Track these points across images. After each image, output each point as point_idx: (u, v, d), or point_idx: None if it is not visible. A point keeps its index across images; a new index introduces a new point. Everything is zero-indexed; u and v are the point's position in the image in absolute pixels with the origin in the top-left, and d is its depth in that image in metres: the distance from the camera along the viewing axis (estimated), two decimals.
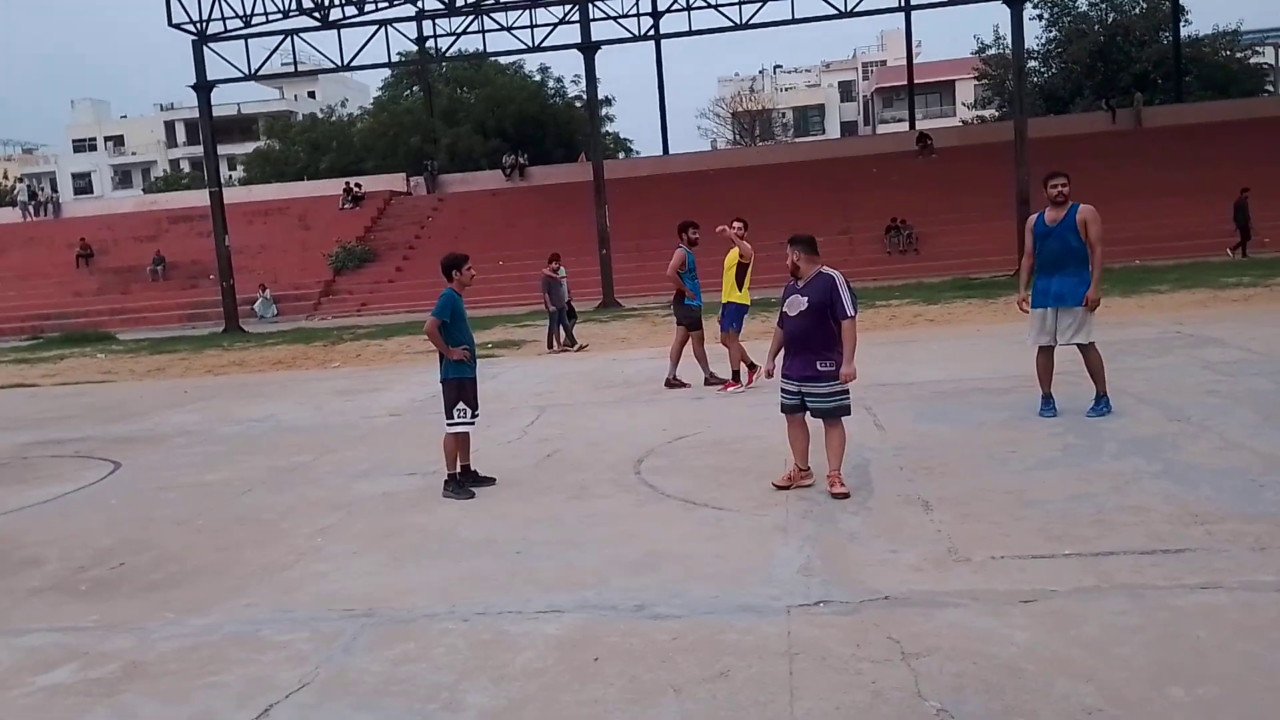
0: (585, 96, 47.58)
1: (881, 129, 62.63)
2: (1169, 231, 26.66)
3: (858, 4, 29.41)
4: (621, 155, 48.41)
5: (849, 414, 6.19)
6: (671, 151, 41.12)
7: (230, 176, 50.09)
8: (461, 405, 6.93)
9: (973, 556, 4.70)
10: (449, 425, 6.95)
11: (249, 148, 57.23)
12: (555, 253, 17.38)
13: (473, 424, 7.02)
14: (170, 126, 77.57)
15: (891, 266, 27.22)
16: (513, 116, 42.59)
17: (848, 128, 69.61)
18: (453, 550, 5.56)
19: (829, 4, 29.56)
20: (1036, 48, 43.61)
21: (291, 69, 33.49)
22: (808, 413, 6.24)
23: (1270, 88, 45.05)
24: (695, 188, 34.33)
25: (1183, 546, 4.57)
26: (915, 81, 43.64)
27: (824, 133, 67.87)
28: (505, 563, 5.25)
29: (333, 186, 38.85)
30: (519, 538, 5.67)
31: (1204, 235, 26.12)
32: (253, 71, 28.03)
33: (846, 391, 6.14)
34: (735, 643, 3.95)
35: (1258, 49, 45.10)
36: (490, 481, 7.02)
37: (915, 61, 43.22)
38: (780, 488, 6.22)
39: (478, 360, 7.24)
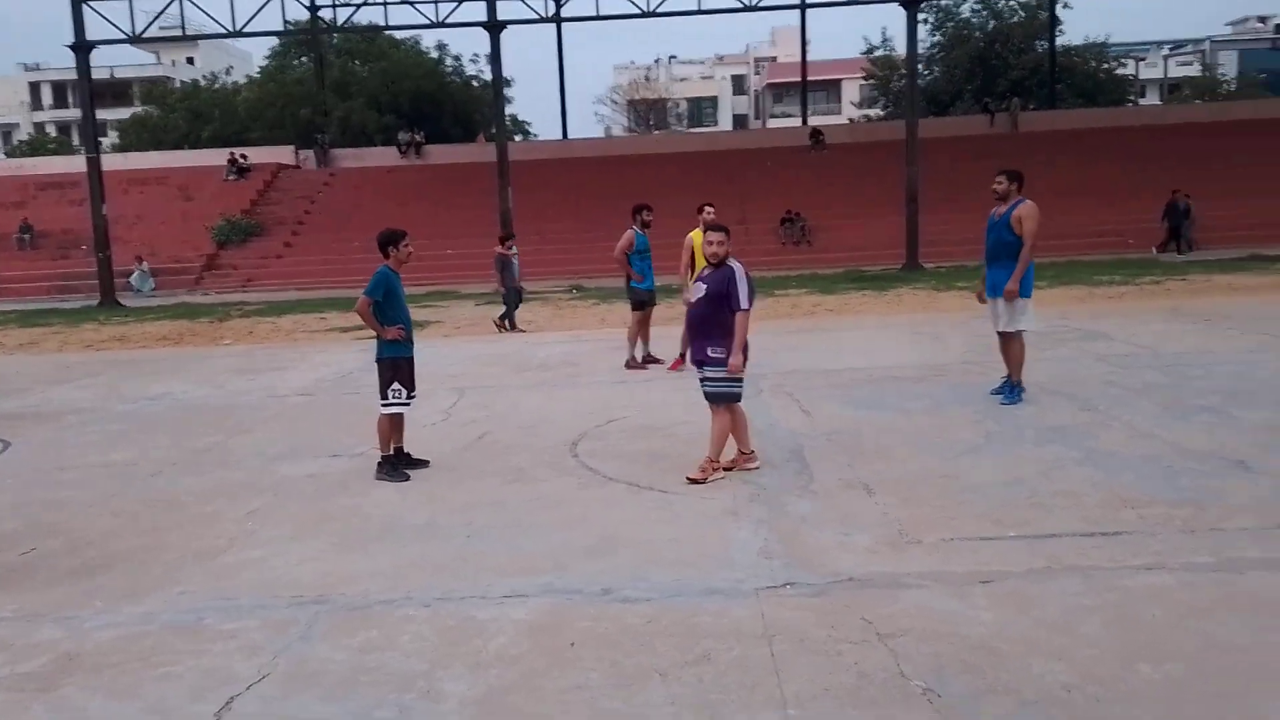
0: (485, 76, 47.09)
1: (772, 123, 63.66)
2: (1045, 230, 27.90)
3: None
4: (519, 138, 47.85)
5: (736, 401, 6.26)
6: (570, 136, 40.89)
7: (103, 143, 47.30)
8: (396, 385, 6.73)
9: (923, 539, 4.83)
10: (383, 406, 6.75)
11: (124, 113, 54.20)
12: (509, 231, 16.87)
13: (408, 405, 6.83)
14: (35, 88, 72.81)
15: (786, 257, 27.74)
16: (409, 93, 41.57)
17: (739, 120, 70.50)
18: (398, 534, 5.40)
19: None
20: (921, 51, 44.99)
21: (179, 32, 31.75)
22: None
23: (1133, 98, 47.69)
24: (596, 173, 34.25)
25: (1119, 530, 4.81)
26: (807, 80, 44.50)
27: (717, 124, 68.57)
28: (455, 547, 5.13)
29: (216, 157, 37.18)
30: (465, 522, 5.55)
31: (1077, 235, 27.49)
32: (137, 33, 26.51)
33: (737, 380, 6.21)
34: (711, 626, 3.96)
35: (1123, 61, 47.68)
36: (424, 464, 6.85)
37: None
38: (725, 469, 6.27)
39: (414, 340, 7.00)
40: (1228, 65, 60.20)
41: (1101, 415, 7.34)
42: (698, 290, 6.33)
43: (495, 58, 25.70)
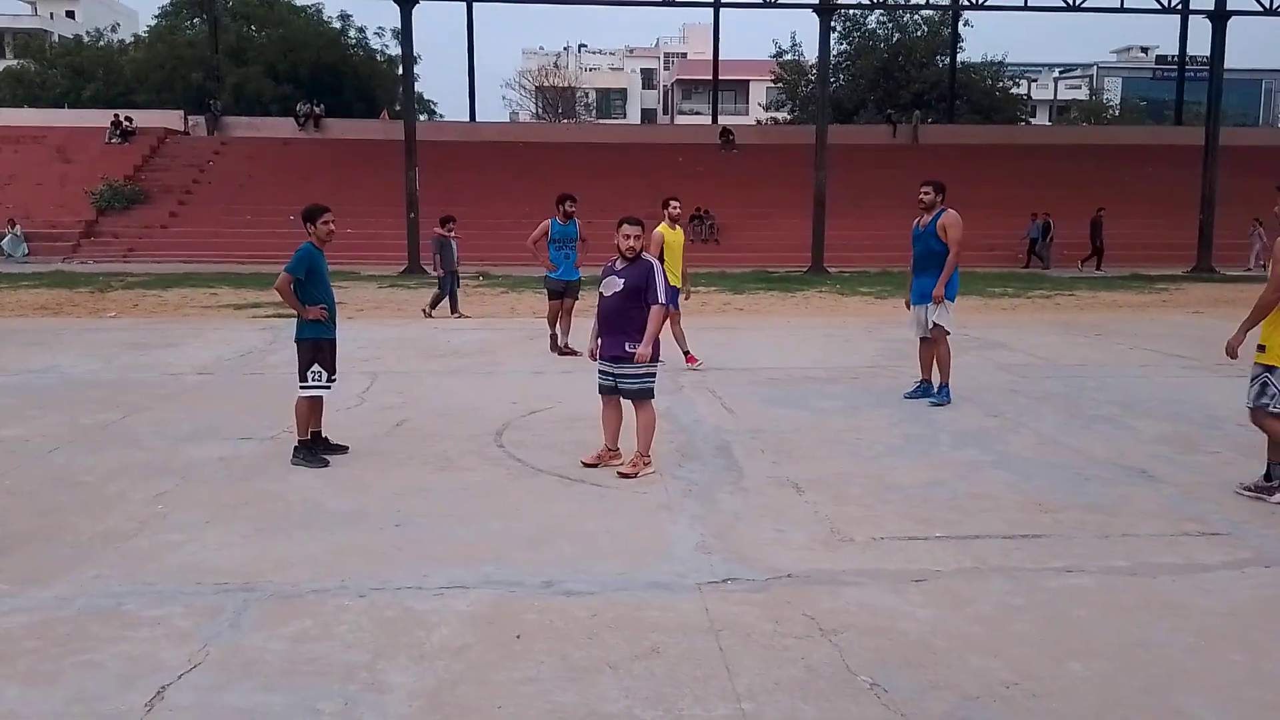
0: (391, 50, 45.94)
1: (680, 120, 64.13)
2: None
3: None
4: (424, 117, 46.85)
5: (652, 396, 6.29)
6: (477, 119, 40.32)
7: None
8: (317, 368, 6.52)
9: (855, 537, 4.95)
10: (302, 388, 6.53)
11: None
12: (449, 214, 16.32)
13: (328, 388, 6.62)
14: None
15: (694, 254, 27.55)
16: (308, 63, 40.29)
17: (647, 115, 70.77)
18: (323, 521, 5.24)
19: None
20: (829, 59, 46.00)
21: None
22: (620, 395, 6.32)
23: (1026, 117, 49.78)
24: (504, 159, 33.89)
25: (1038, 533, 5.02)
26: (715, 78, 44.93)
27: (625, 116, 68.65)
28: (386, 536, 5.01)
29: (99, 118, 35.28)
30: (393, 510, 5.42)
31: (971, 248, 28.44)
32: None
33: (653, 374, 6.24)
34: (657, 620, 3.97)
35: (1017, 80, 49.71)
36: (343, 450, 6.65)
37: (711, 59, 44.50)
38: (588, 465, 6.28)
39: (333, 324, 6.78)
40: (1113, 90, 63.46)
41: (1009, 421, 7.65)
42: (612, 285, 6.26)
43: (406, 33, 25.11)
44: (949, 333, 8.42)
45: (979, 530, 5.05)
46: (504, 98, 67.08)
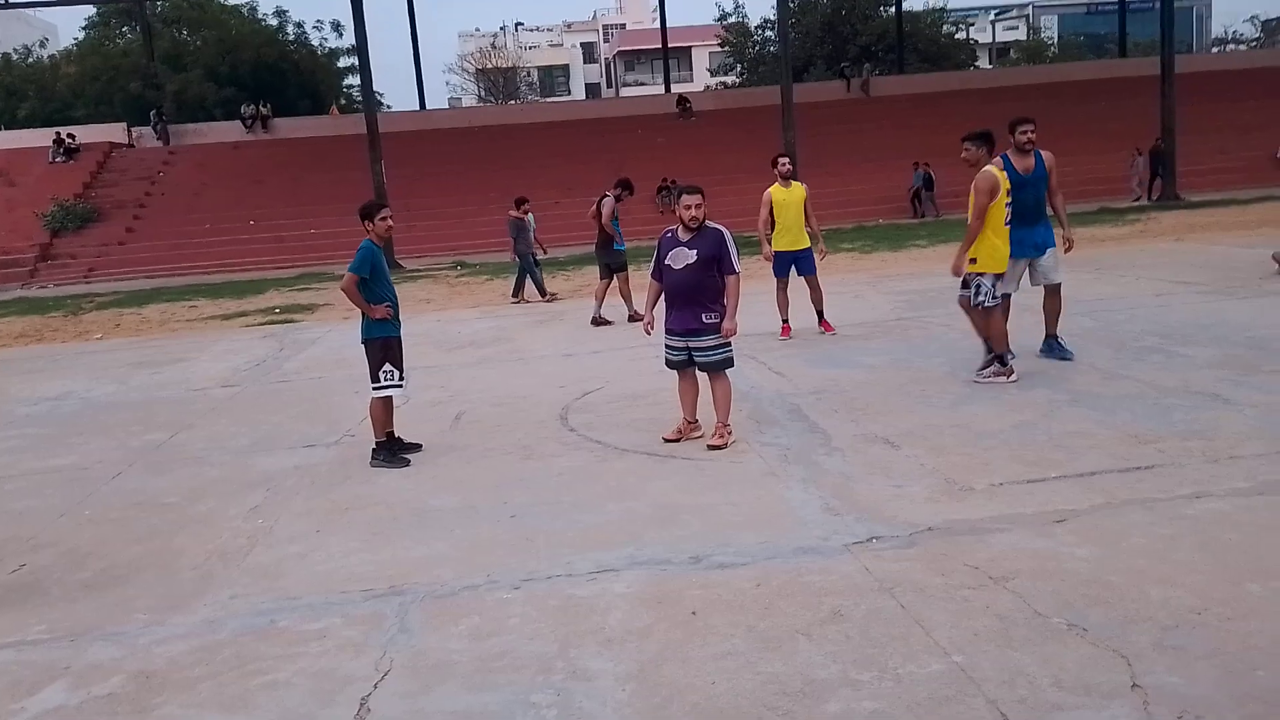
0: (329, 44, 45.08)
1: (625, 92, 63.71)
2: (906, 192, 29.17)
3: None
4: None
5: (732, 366, 6.29)
6: (427, 106, 39.74)
7: None
8: (389, 367, 6.42)
9: (974, 485, 5.00)
10: (375, 389, 6.43)
11: None
12: (522, 195, 15.94)
13: (401, 386, 6.52)
14: None
15: (667, 224, 27.89)
16: (248, 63, 39.34)
17: (591, 89, 70.19)
18: (435, 520, 5.18)
19: None
20: (772, 17, 45.93)
21: None
22: (695, 366, 6.30)
23: (976, 62, 50.19)
24: (460, 145, 33.47)
25: (1149, 463, 5.11)
26: (658, 47, 44.71)
27: (570, 93, 68.05)
28: (508, 528, 4.96)
29: (38, 137, 34.22)
30: (499, 502, 5.37)
31: (941, 194, 28.85)
32: None
33: (730, 344, 6.23)
34: (823, 584, 3.98)
35: (961, 25, 50.03)
36: (417, 448, 6.57)
37: (652, 28, 44.27)
38: (670, 441, 6.27)
39: (398, 322, 6.64)
40: (1050, 28, 64.13)
41: (1062, 361, 7.73)
42: (685, 256, 6.23)
43: (359, 22, 24.57)
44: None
45: (1091, 467, 5.12)
46: (447, 83, 66.13)
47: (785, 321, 10.03)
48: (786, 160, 9.99)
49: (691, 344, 6.20)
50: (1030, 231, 7.53)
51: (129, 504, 5.91)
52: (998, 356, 7.25)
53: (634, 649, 3.57)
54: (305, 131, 35.75)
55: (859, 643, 3.48)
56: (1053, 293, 7.85)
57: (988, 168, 7.27)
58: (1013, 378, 7.11)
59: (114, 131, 35.37)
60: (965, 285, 7.39)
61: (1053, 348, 7.82)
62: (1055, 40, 61.22)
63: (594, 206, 12.52)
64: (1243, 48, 58.33)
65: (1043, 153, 7.51)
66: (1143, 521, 4.34)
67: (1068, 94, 34.42)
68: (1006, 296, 7.54)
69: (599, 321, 11.87)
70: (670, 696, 3.23)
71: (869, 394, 7.16)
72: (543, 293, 15.19)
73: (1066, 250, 7.86)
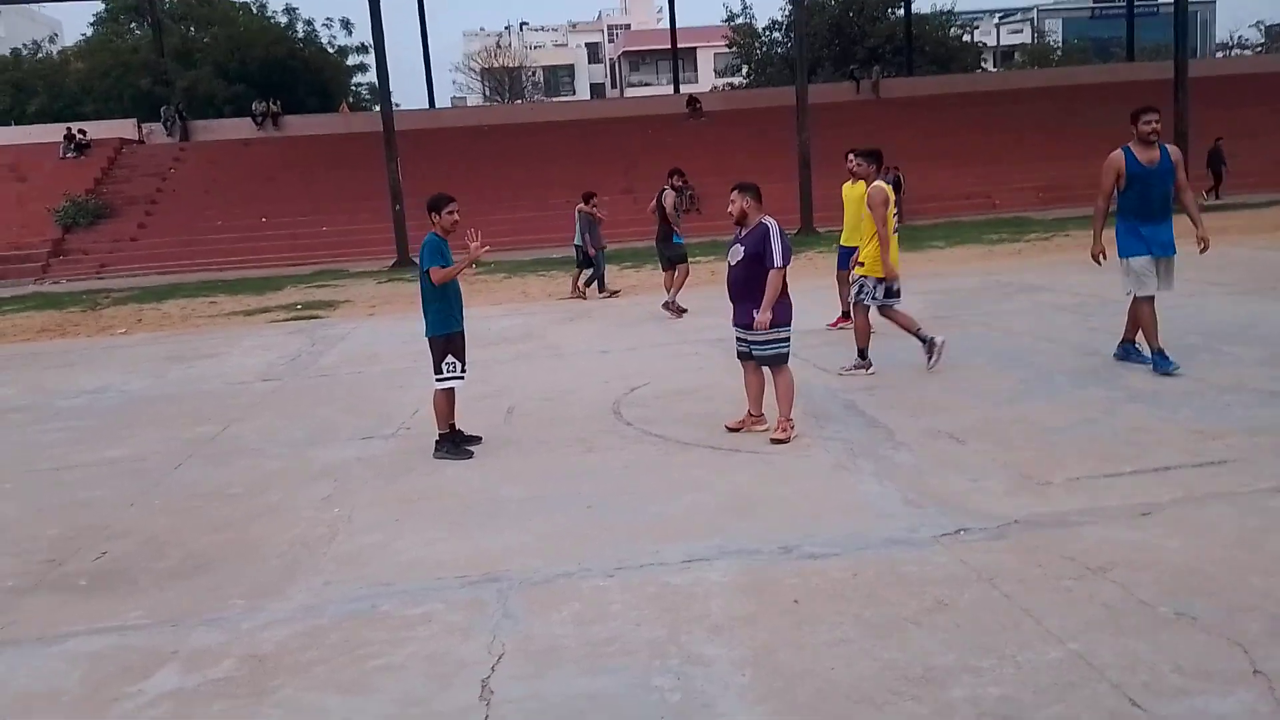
0: (338, 42, 45.08)
1: (630, 92, 63.75)
2: (919, 193, 29.22)
3: None
4: (378, 108, 46.10)
5: (786, 360, 6.31)
6: (436, 105, 39.77)
7: None
8: (450, 359, 6.45)
9: (1052, 480, 5.03)
10: (438, 381, 6.46)
11: None
12: (590, 190, 15.85)
13: (462, 378, 6.55)
14: None
15: (680, 225, 27.93)
16: (258, 60, 39.32)
17: (596, 89, 70.27)
18: (511, 510, 5.21)
19: None
20: (780, 19, 46.08)
21: None
22: (755, 361, 6.37)
23: (984, 65, 50.30)
24: (471, 144, 33.50)
25: (1221, 458, 5.15)
26: (663, 48, 44.76)
27: (575, 93, 68.09)
28: (586, 518, 4.99)
29: (49, 133, 34.14)
30: (572, 493, 5.40)
31: (949, 197, 28.94)
32: None
33: (785, 340, 6.26)
34: (920, 574, 4.02)
35: (965, 28, 50.11)
36: (477, 440, 6.60)
37: (659, 27, 44.31)
38: (732, 430, 6.36)
39: (460, 316, 6.66)
40: (1054, 32, 64.25)
41: (1109, 358, 7.77)
42: (736, 253, 6.34)
43: (376, 20, 24.55)
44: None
45: (1164, 462, 5.16)
46: (453, 82, 66.05)
47: (843, 313, 10.14)
48: (854, 157, 9.91)
49: (749, 338, 6.27)
50: (1158, 228, 7.08)
51: (195, 495, 5.93)
52: (862, 351, 7.99)
53: (744, 635, 3.61)
54: (316, 129, 35.75)
55: (971, 631, 3.52)
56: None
57: (878, 181, 7.82)
58: (870, 370, 7.87)
59: (124, 128, 35.33)
60: (858, 288, 7.98)
61: (1130, 351, 7.52)
62: (1060, 44, 61.39)
63: (654, 200, 12.72)
64: (1248, 53, 58.47)
65: (1169, 146, 7.05)
66: (1229, 514, 4.38)
67: (1076, 97, 34.49)
68: (1151, 297, 7.17)
69: (677, 310, 12.05)
70: (791, 681, 3.26)
71: (922, 390, 7.20)
72: (602, 287, 15.12)
73: (1202, 250, 7.30)
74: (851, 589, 3.93)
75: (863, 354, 8.02)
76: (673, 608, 3.88)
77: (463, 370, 6.55)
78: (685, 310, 12.00)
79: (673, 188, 12.43)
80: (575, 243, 15.04)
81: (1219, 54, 59.11)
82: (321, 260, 26.61)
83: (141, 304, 19.37)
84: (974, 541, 4.31)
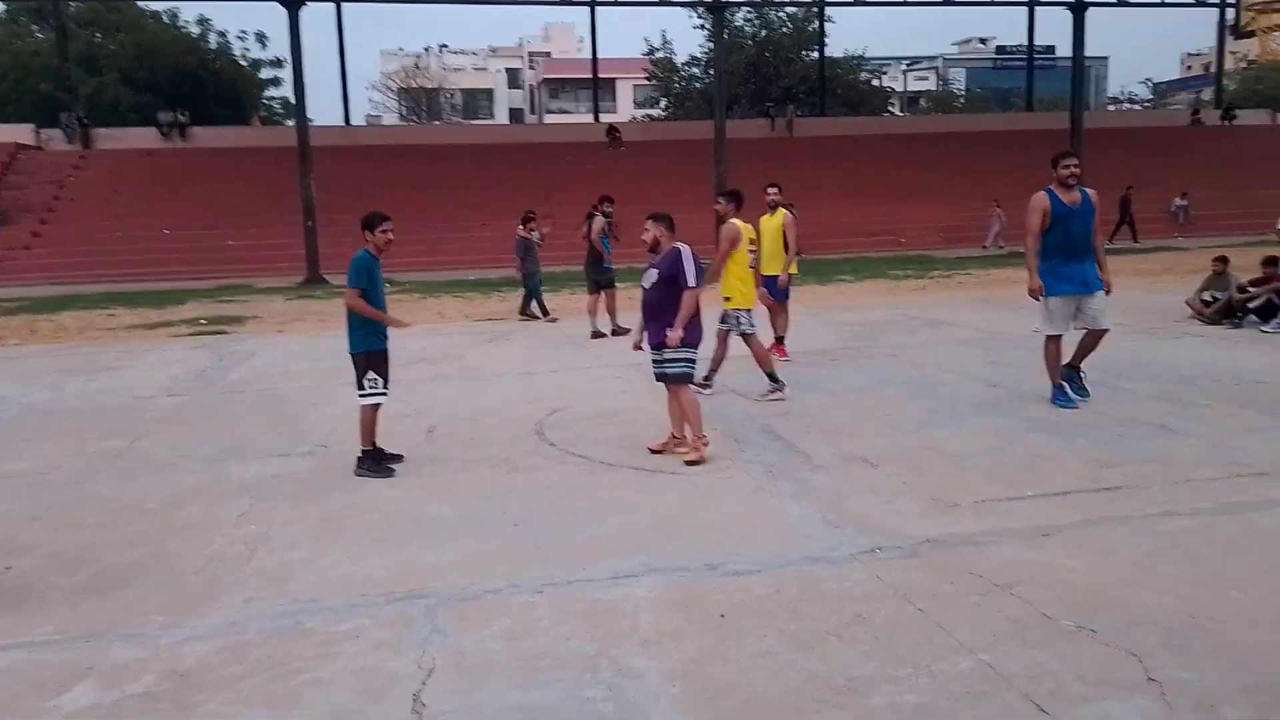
0: (251, 55, 44.20)
1: (549, 119, 64.00)
2: (829, 229, 30.04)
3: None
4: (290, 122, 45.31)
5: (690, 380, 6.52)
6: (351, 122, 39.29)
7: None
8: (372, 374, 6.42)
9: (960, 502, 5.27)
10: (361, 397, 6.42)
11: None
12: (531, 211, 15.59)
13: (385, 394, 6.52)
14: None
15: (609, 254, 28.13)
16: (167, 69, 38.35)
17: (515, 114, 70.30)
18: (438, 528, 5.21)
19: None
20: (699, 55, 46.97)
21: None
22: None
23: (892, 108, 52.05)
24: (386, 163, 33.16)
25: (1116, 484, 5.47)
26: (584, 76, 45.21)
27: (493, 117, 67.97)
28: (514, 536, 5.03)
29: None
30: (499, 512, 5.43)
31: (857, 234, 29.81)
32: None
33: (688, 360, 6.45)
34: (839, 590, 4.17)
35: (878, 73, 51.86)
36: (399, 459, 6.57)
37: (578, 57, 44.77)
38: (655, 451, 6.52)
39: (385, 334, 6.63)
40: (958, 80, 66.94)
41: (1010, 390, 8.16)
42: (650, 277, 6.54)
43: (295, 35, 24.26)
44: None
45: (1063, 487, 5.46)
46: (370, 99, 65.26)
47: (777, 339, 10.35)
48: (772, 189, 10.29)
49: (659, 358, 6.45)
50: (1079, 268, 7.33)
51: (105, 510, 5.76)
52: (770, 375, 8.35)
53: (673, 649, 3.70)
54: (226, 141, 34.96)
55: (888, 643, 3.67)
56: (1098, 336, 7.52)
57: (732, 220, 8.13)
58: (785, 393, 8.19)
59: (21, 133, 33.95)
60: (723, 320, 8.41)
61: (1072, 379, 7.57)
62: (963, 91, 64.00)
63: (584, 226, 12.91)
64: (1137, 108, 61.86)
65: (1089, 190, 7.34)
66: (1124, 536, 4.67)
67: (979, 143, 36.01)
68: (1058, 336, 7.48)
69: (597, 334, 12.44)
70: (720, 692, 3.37)
71: (836, 417, 7.44)
72: (544, 312, 15.11)
73: (1106, 294, 7.48)
74: (775, 604, 4.06)
75: (772, 377, 8.32)
76: (602, 623, 3.95)
77: (385, 387, 6.52)
78: (624, 330, 12.07)
79: (602, 214, 12.69)
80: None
81: (1110, 107, 62.35)
82: (226, 274, 25.95)
83: (35, 314, 18.62)
84: (889, 560, 4.49)
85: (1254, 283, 11.86)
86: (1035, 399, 7.76)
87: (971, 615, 3.88)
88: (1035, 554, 4.49)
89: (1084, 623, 3.77)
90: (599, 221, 12.54)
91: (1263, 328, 11.20)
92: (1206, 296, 12.23)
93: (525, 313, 15.14)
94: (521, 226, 15.13)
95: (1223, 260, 12.42)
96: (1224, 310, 11.83)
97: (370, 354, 6.48)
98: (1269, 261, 12.10)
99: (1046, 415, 7.22)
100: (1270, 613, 3.81)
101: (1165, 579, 4.16)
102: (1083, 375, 7.66)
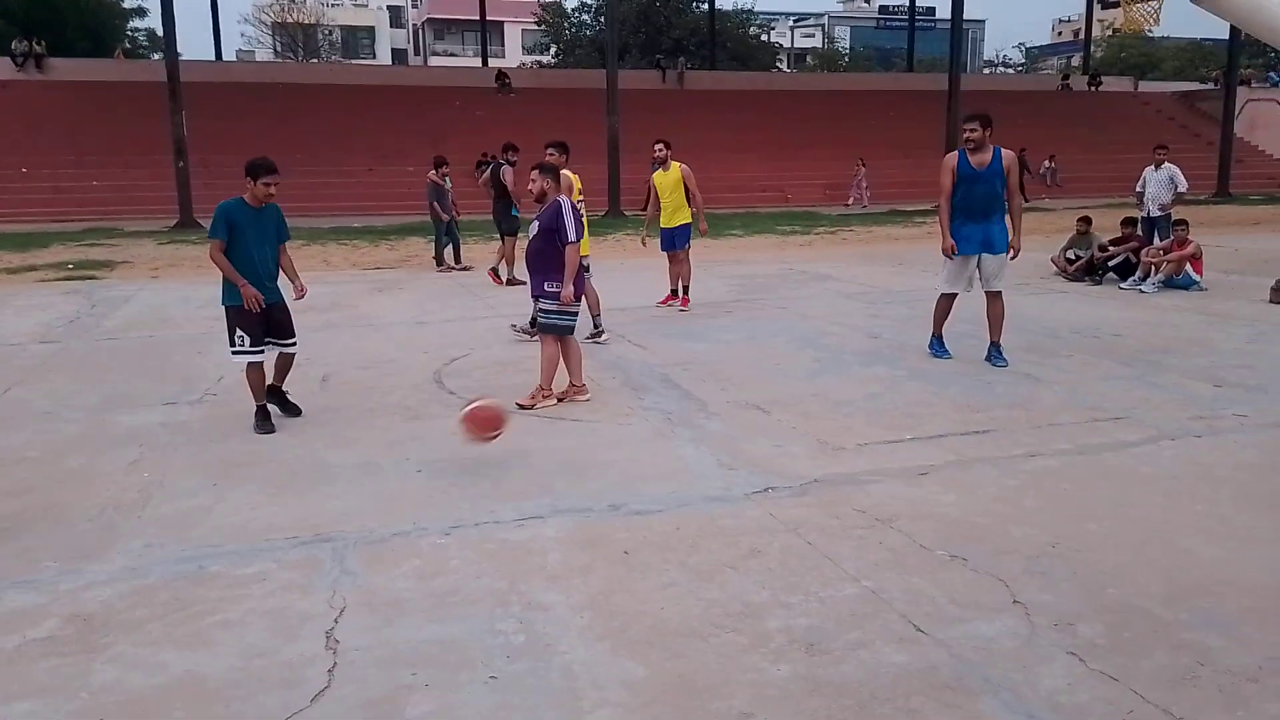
0: None
1: (434, 61, 62.31)
2: (720, 183, 30.38)
3: None
4: (156, 56, 42.87)
5: (560, 334, 6.62)
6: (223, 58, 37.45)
7: None
8: (240, 333, 6.16)
9: (845, 445, 5.59)
10: (233, 354, 6.24)
11: None
12: (441, 155, 15.01)
13: (259, 352, 6.23)
14: None
15: (488, 202, 27.77)
16: None
17: (398, 55, 68.10)
18: (341, 474, 5.23)
19: None
20: (590, 2, 46.41)
21: None
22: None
23: (779, 65, 52.63)
24: (262, 102, 31.83)
25: (985, 428, 5.88)
26: (471, 18, 44.16)
27: (375, 56, 65.69)
28: (417, 481, 5.10)
29: None
30: (400, 458, 5.48)
31: (746, 189, 30.25)
32: None
33: (564, 313, 6.54)
34: (736, 526, 4.41)
35: (764, 28, 52.32)
36: (296, 411, 6.45)
37: None
38: (559, 399, 6.64)
39: (273, 286, 6.46)
40: (842, 39, 68.08)
41: (891, 342, 8.58)
42: (532, 228, 6.62)
43: None
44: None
45: (938, 430, 5.83)
46: (242, 34, 62.16)
47: (672, 290, 10.77)
48: (659, 146, 10.45)
49: (538, 308, 6.58)
50: (977, 228, 7.46)
51: None
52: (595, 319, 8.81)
53: (580, 583, 3.87)
54: (86, 74, 32.87)
55: (780, 573, 3.93)
56: (994, 299, 7.65)
57: (565, 170, 8.07)
58: (604, 338, 8.72)
59: None
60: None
61: (993, 355, 7.61)
62: (848, 50, 65.17)
63: (484, 174, 12.90)
64: (1010, 71, 64.15)
65: (1003, 150, 7.37)
66: (992, 475, 5.05)
67: (863, 101, 36.85)
68: (952, 295, 7.76)
69: (513, 281, 12.56)
70: (627, 621, 3.55)
71: (730, 366, 7.70)
72: (458, 260, 14.93)
73: (1012, 257, 7.61)
74: (676, 540, 4.26)
75: (595, 324, 8.82)
76: (511, 561, 4.08)
77: (255, 345, 6.23)
78: (523, 281, 12.06)
79: (508, 162, 12.82)
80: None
81: (985, 70, 64.51)
82: (91, 217, 24.65)
83: None
84: (781, 498, 4.76)
85: (1114, 242, 12.67)
86: (914, 350, 8.19)
87: (856, 547, 4.17)
88: (913, 491, 4.82)
89: (956, 552, 4.10)
90: (508, 171, 12.81)
91: (1120, 284, 12.00)
92: (1070, 255, 13.00)
93: (442, 262, 14.94)
94: (434, 171, 14.88)
95: (1086, 220, 13.20)
96: (1086, 268, 12.61)
97: (240, 308, 6.25)
98: (1128, 222, 12.94)
99: (923, 364, 7.64)
100: (1122, 542, 4.22)
101: (1029, 513, 4.54)
102: (1000, 348, 7.62)
